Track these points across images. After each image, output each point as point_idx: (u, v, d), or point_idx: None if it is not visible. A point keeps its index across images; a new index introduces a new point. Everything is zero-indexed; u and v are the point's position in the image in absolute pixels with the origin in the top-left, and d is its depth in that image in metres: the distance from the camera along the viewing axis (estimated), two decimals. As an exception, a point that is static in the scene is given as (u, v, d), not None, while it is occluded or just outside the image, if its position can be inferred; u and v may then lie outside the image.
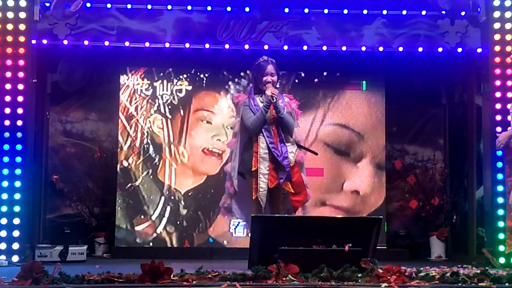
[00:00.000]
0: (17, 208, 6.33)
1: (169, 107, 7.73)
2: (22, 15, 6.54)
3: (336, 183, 7.74)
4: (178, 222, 7.60)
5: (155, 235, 7.56)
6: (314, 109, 7.83)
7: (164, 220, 7.58)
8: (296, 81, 7.84)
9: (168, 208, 7.61)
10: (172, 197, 7.63)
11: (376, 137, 7.80)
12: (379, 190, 7.74)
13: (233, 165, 5.94)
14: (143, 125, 7.68)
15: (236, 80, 7.80)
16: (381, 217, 5.26)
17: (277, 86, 6.12)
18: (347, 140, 7.81)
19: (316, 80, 7.85)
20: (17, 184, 6.36)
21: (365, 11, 7.23)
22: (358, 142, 7.79)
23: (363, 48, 7.25)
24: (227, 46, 7.22)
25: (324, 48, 7.25)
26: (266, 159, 5.84)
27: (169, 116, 7.72)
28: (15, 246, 6.30)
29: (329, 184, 7.73)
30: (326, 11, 7.24)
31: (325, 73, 7.88)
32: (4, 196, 6.32)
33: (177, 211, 7.61)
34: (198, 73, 7.78)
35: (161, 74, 7.76)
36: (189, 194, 7.65)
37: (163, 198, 7.62)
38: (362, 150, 7.79)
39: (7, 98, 6.45)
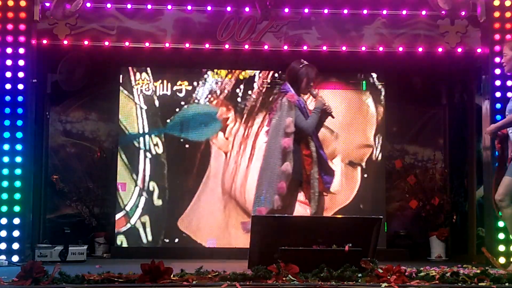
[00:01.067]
0: (17, 208, 6.34)
1: (169, 106, 7.72)
2: (22, 15, 6.55)
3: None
4: (191, 222, 7.60)
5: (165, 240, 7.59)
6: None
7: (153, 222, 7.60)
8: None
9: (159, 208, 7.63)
10: (171, 197, 7.63)
11: (354, 135, 7.77)
12: (349, 188, 7.73)
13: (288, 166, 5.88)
14: (142, 125, 7.67)
15: (236, 80, 7.80)
16: (381, 217, 5.26)
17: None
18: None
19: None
20: (17, 184, 6.36)
21: (365, 11, 7.24)
22: (334, 140, 7.76)
23: (363, 48, 7.26)
24: (227, 46, 7.23)
25: (324, 48, 7.26)
26: (315, 163, 5.88)
27: (169, 116, 7.72)
28: (15, 246, 6.30)
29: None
30: (326, 11, 7.25)
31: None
32: (4, 196, 6.33)
33: (177, 212, 7.63)
34: (198, 73, 7.77)
35: (161, 74, 7.75)
36: (193, 194, 7.65)
37: (160, 197, 7.64)
38: (335, 148, 7.77)
39: (7, 98, 6.46)
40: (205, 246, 7.54)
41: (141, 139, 7.66)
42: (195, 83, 7.74)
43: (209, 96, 7.73)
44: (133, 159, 7.63)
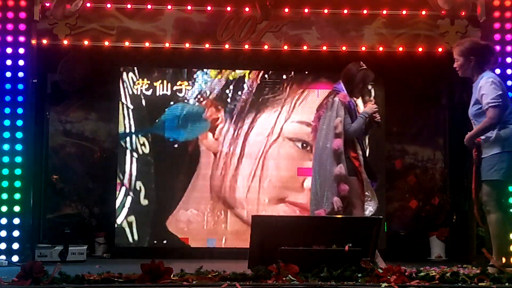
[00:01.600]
0: (17, 208, 6.34)
1: (157, 106, 7.71)
2: (22, 15, 6.55)
3: (296, 181, 7.70)
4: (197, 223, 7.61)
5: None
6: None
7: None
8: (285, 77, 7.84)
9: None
10: (158, 197, 7.63)
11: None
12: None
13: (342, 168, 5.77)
14: (129, 124, 7.66)
15: (226, 80, 7.78)
16: (381, 217, 5.26)
17: None
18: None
19: (284, 76, 7.81)
20: (17, 184, 6.37)
21: (365, 11, 7.24)
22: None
23: (363, 48, 7.26)
24: (227, 46, 7.23)
25: (324, 48, 7.26)
26: (362, 166, 5.81)
27: (157, 116, 7.70)
28: (15, 246, 6.31)
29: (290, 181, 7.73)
30: (326, 11, 7.25)
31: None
32: (4, 196, 6.33)
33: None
34: (198, 74, 7.77)
35: (161, 74, 7.75)
36: (182, 194, 7.64)
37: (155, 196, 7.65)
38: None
39: (7, 98, 6.46)
40: (192, 247, 7.53)
41: (128, 138, 7.64)
42: (185, 83, 7.72)
43: (199, 96, 7.72)
44: (120, 159, 7.61)
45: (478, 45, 5.25)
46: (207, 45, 7.22)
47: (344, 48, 7.26)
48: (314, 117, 6.09)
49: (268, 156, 7.68)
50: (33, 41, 6.66)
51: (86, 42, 7.11)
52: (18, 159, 6.40)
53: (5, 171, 6.36)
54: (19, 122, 6.44)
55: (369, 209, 5.79)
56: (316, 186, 5.84)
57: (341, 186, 5.71)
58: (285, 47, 7.26)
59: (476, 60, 5.14)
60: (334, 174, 5.68)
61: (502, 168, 5.03)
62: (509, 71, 6.65)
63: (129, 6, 7.13)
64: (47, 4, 6.79)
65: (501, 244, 5.13)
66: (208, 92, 7.73)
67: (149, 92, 7.69)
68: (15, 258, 6.26)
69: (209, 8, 7.20)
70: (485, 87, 4.99)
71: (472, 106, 5.17)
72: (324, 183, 5.76)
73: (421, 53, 7.28)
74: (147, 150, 7.65)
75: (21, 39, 6.54)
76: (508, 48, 6.66)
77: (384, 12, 7.25)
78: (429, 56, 7.32)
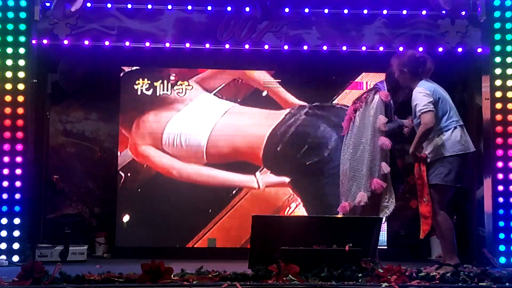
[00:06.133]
0: (17, 208, 6.34)
1: (169, 107, 7.73)
2: (23, 15, 6.55)
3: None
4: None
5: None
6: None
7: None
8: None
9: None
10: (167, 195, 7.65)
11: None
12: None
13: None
14: (142, 125, 7.68)
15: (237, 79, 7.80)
16: (381, 217, 5.26)
17: None
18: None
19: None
20: (18, 184, 6.36)
21: (365, 11, 7.25)
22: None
23: (364, 48, 7.26)
24: (227, 46, 7.23)
25: (325, 48, 7.26)
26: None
27: (170, 117, 7.72)
28: (16, 246, 6.31)
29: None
30: (326, 11, 7.26)
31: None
32: (5, 196, 6.33)
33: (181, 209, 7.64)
34: (198, 73, 7.77)
35: (161, 74, 7.75)
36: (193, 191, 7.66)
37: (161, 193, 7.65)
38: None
39: (8, 98, 6.46)
40: (192, 247, 7.53)
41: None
42: (186, 83, 7.74)
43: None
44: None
45: (411, 58, 5.69)
46: (207, 45, 7.22)
47: (344, 48, 7.26)
48: (350, 108, 6.09)
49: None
50: (33, 41, 6.66)
51: (86, 42, 7.10)
52: (18, 159, 6.40)
53: (5, 171, 6.36)
54: (20, 122, 6.44)
55: (385, 210, 5.82)
56: (344, 178, 5.86)
57: (381, 184, 5.76)
58: (285, 47, 7.26)
59: (409, 71, 5.64)
60: (383, 170, 5.78)
61: (441, 172, 5.37)
62: (509, 71, 6.65)
63: (129, 6, 7.12)
64: (48, 4, 6.79)
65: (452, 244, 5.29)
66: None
67: (149, 92, 7.70)
68: (15, 258, 6.26)
69: (209, 8, 7.20)
70: (417, 98, 5.47)
71: (414, 118, 5.55)
72: (356, 177, 5.78)
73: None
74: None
75: (21, 39, 6.53)
76: (509, 48, 6.66)
77: (384, 12, 7.25)
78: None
